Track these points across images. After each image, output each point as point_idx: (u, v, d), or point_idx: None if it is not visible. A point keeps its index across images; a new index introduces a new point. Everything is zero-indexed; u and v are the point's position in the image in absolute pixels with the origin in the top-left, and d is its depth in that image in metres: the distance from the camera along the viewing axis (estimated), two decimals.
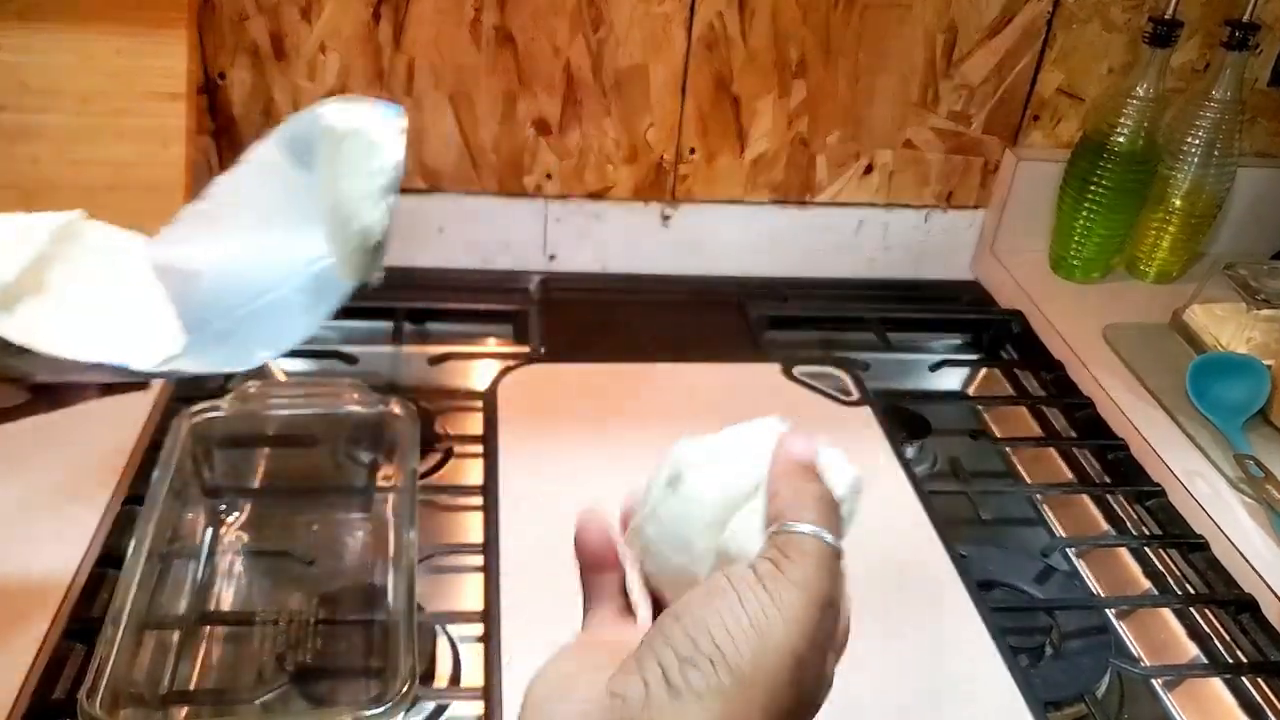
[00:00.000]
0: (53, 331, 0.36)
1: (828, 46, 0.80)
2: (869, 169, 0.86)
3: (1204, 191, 0.83)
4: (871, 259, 0.91)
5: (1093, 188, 0.82)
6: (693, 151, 0.84)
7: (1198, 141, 0.81)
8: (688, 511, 0.32)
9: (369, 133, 0.37)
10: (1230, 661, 0.58)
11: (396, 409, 0.59)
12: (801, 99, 0.82)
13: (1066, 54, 0.83)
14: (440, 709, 0.51)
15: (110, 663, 0.44)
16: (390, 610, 0.52)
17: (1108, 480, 0.70)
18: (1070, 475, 0.72)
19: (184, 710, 0.50)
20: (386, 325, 0.78)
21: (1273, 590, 0.57)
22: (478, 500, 0.60)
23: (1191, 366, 0.72)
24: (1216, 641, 0.59)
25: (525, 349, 0.79)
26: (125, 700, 0.45)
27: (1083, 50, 0.83)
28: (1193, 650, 0.59)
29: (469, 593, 0.58)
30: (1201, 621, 0.60)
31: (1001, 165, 0.88)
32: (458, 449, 0.69)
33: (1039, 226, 0.89)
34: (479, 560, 0.56)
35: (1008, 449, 0.75)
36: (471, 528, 0.60)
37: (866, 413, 0.69)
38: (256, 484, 0.64)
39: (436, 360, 0.76)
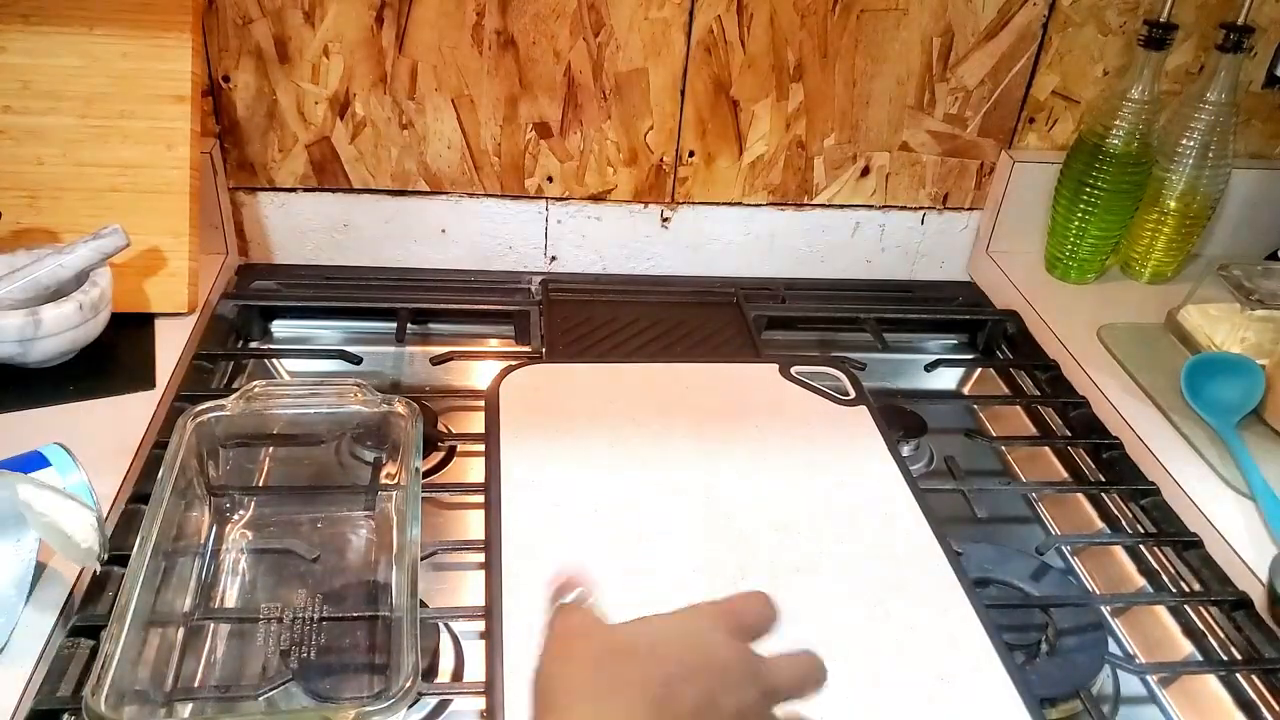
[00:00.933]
0: None
1: (825, 50, 0.81)
2: (866, 171, 0.87)
3: (1198, 193, 0.83)
4: (868, 260, 0.92)
5: (1088, 189, 0.83)
6: (692, 154, 0.84)
7: (1192, 143, 0.82)
8: None
9: (63, 527, 0.48)
10: (1225, 659, 0.58)
11: (399, 408, 0.60)
12: (799, 102, 0.83)
13: (1062, 57, 0.84)
14: (443, 704, 0.52)
15: (115, 660, 0.44)
16: (393, 606, 0.52)
17: (1102, 479, 0.70)
18: (1065, 474, 0.73)
19: (188, 707, 0.50)
20: (389, 325, 0.79)
21: (1266, 587, 0.58)
22: (479, 498, 0.60)
23: (1186, 366, 0.73)
24: (1211, 639, 0.59)
25: (526, 349, 0.79)
26: (130, 697, 0.46)
27: (1078, 53, 0.84)
28: (1187, 647, 0.60)
29: (471, 589, 0.58)
30: (1196, 619, 0.61)
31: (997, 167, 0.88)
32: (460, 447, 0.69)
33: (1034, 228, 0.90)
34: (481, 557, 0.56)
35: (1003, 448, 0.76)
36: (473, 525, 0.61)
37: (863, 412, 0.69)
38: (260, 482, 0.65)
39: (439, 360, 0.76)
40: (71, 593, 0.52)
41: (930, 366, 0.82)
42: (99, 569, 0.51)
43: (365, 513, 0.62)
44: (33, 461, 0.52)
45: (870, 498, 0.62)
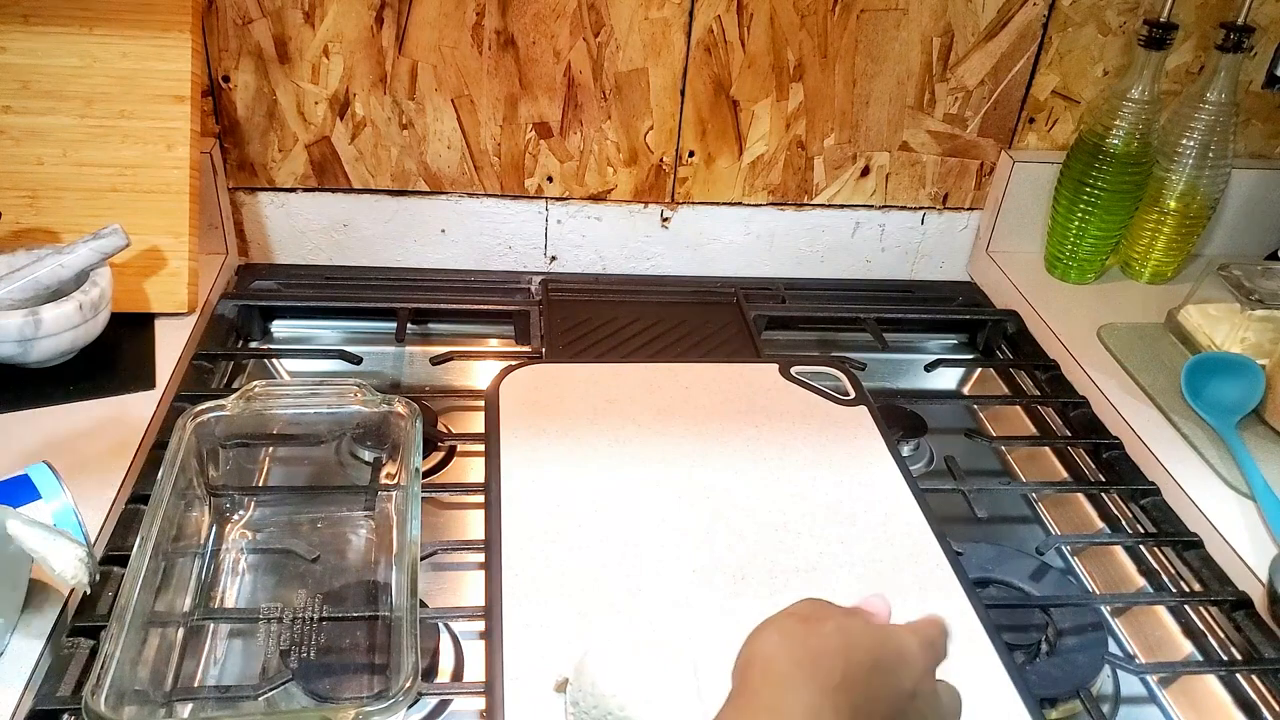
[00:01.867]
0: None
1: (825, 50, 0.81)
2: (866, 171, 0.87)
3: (1198, 193, 0.83)
4: (868, 260, 0.92)
5: (1088, 189, 0.83)
6: (691, 154, 0.84)
7: (1192, 143, 0.82)
8: None
9: (51, 563, 0.46)
10: (1225, 659, 0.58)
11: (399, 408, 0.60)
12: (799, 102, 0.83)
13: (1062, 57, 0.84)
14: (443, 704, 0.52)
15: (115, 660, 0.44)
16: (393, 607, 0.52)
17: (1102, 479, 0.70)
18: (1065, 474, 0.73)
19: (188, 707, 0.50)
20: (389, 325, 0.79)
21: (1265, 587, 0.58)
22: (479, 498, 0.60)
23: (1186, 366, 0.73)
24: (1211, 639, 0.59)
25: (526, 349, 0.79)
26: (130, 697, 0.46)
27: (1078, 53, 0.84)
28: (1187, 647, 0.60)
29: (471, 589, 0.58)
30: (1196, 619, 0.61)
31: (997, 167, 0.88)
32: (460, 447, 0.70)
33: (1034, 228, 0.90)
34: (481, 557, 0.56)
35: (1003, 448, 0.76)
36: (473, 525, 0.61)
37: (863, 412, 0.69)
38: (260, 482, 0.65)
39: (439, 360, 0.76)
40: (71, 593, 0.52)
41: (930, 366, 0.82)
42: (89, 591, 0.51)
43: (365, 513, 0.62)
44: (20, 491, 0.52)
45: (870, 498, 0.62)
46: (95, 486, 0.58)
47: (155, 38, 0.71)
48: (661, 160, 0.84)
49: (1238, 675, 0.57)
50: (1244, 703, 0.56)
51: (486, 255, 0.88)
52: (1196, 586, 0.61)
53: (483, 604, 0.53)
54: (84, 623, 0.51)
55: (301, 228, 0.85)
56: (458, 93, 0.79)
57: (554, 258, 0.89)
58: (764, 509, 0.60)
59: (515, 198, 0.85)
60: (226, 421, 0.59)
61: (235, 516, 0.61)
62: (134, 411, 0.64)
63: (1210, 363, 0.73)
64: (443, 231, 0.86)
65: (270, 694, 0.50)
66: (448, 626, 0.56)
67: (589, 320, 0.81)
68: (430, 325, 0.82)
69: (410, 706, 0.46)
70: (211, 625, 0.55)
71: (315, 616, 0.54)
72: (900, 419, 0.74)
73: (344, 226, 0.85)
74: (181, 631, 0.53)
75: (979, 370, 0.85)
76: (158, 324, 0.72)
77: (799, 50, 0.80)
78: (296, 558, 0.58)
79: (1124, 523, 0.67)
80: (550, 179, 0.84)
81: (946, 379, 0.85)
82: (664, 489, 0.61)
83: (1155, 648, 0.60)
